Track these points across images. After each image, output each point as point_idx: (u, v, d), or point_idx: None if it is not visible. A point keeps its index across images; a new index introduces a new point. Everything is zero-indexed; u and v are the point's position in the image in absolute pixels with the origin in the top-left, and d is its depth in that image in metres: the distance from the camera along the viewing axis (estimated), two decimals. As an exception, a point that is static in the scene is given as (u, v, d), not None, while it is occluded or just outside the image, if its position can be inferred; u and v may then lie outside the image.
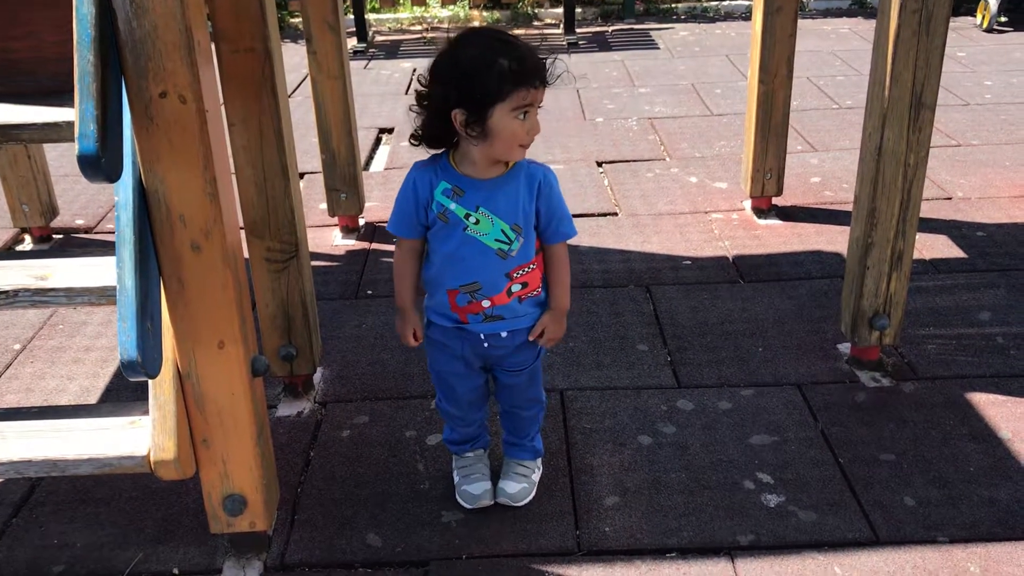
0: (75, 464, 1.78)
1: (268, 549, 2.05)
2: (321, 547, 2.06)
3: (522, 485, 2.14)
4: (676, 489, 2.19)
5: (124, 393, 2.63)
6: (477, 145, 1.82)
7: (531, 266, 1.94)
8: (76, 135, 1.44)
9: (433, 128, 1.86)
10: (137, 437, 1.82)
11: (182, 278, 1.69)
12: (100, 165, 1.45)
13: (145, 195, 1.63)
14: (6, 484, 2.28)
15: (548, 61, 1.81)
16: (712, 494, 2.17)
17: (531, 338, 1.99)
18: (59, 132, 1.82)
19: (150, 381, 1.79)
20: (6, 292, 1.78)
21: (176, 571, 2.02)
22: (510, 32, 1.89)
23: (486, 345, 1.99)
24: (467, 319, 1.96)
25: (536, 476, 2.19)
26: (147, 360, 1.57)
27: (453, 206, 1.87)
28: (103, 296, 1.78)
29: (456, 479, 2.18)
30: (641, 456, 2.31)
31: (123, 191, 1.61)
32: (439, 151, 1.91)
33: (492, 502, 2.13)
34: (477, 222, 1.87)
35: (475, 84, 1.74)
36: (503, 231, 1.87)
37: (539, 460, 2.22)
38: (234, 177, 2.10)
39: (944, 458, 2.27)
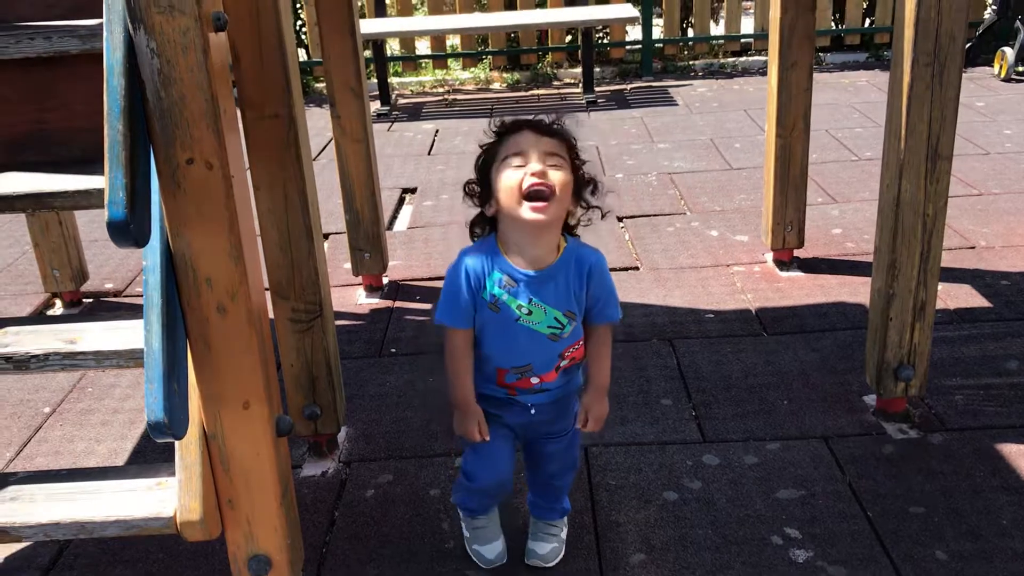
0: (103, 526, 1.80)
1: (293, 610, 2.04)
2: (346, 608, 2.05)
3: (552, 545, 2.12)
4: (703, 545, 2.17)
5: (151, 454, 2.65)
6: (499, 219, 1.84)
7: (580, 342, 1.94)
8: (106, 202, 1.48)
9: (475, 221, 1.93)
10: (164, 498, 1.83)
11: (208, 340, 1.72)
12: (128, 231, 1.49)
13: (172, 259, 1.67)
14: (34, 548, 2.30)
15: (548, 117, 1.83)
16: (740, 550, 2.15)
17: (578, 425, 1.95)
18: (90, 199, 1.87)
19: (176, 442, 1.81)
20: (37, 356, 1.81)
21: (202, 634, 2.01)
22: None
23: (532, 412, 1.96)
24: (515, 392, 1.95)
25: (564, 534, 2.17)
26: (174, 421, 1.59)
27: (506, 297, 1.84)
28: (131, 359, 1.81)
29: (466, 534, 2.16)
30: (667, 512, 2.29)
31: (151, 255, 1.65)
32: (486, 237, 1.92)
33: (504, 561, 2.11)
34: (530, 312, 1.84)
35: (480, 158, 1.85)
36: (556, 318, 1.86)
37: (566, 518, 2.20)
38: (259, 239, 2.14)
39: (976, 511, 2.23)
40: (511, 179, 1.76)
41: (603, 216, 1.93)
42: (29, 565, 2.24)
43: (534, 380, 1.92)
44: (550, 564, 2.10)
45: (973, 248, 3.74)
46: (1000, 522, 2.19)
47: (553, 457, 2.05)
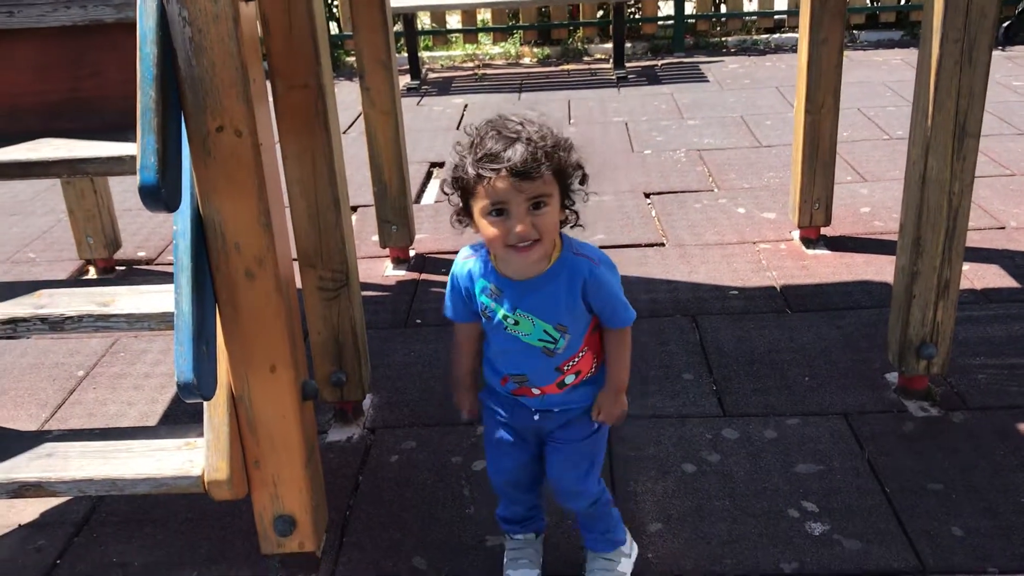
0: (133, 483, 1.86)
1: (317, 570, 2.10)
2: (368, 569, 2.10)
3: (614, 573, 1.99)
4: (720, 517, 2.20)
5: (181, 418, 2.71)
6: None
7: (581, 353, 1.79)
8: (138, 167, 1.52)
9: (459, 213, 1.74)
10: (192, 458, 1.89)
11: (236, 304, 1.77)
12: (160, 195, 1.53)
13: (202, 224, 1.71)
14: (68, 504, 2.37)
15: (542, 149, 1.58)
16: (756, 522, 2.17)
17: (593, 417, 1.84)
18: (123, 165, 1.91)
19: (205, 404, 1.86)
20: (72, 317, 1.87)
21: (228, 590, 2.07)
22: (518, 120, 1.64)
23: (536, 418, 1.85)
24: (519, 396, 1.86)
25: (625, 565, 2.02)
26: (202, 382, 1.64)
27: (493, 305, 1.76)
28: (162, 322, 1.86)
29: (505, 560, 2.04)
30: (685, 484, 2.32)
31: (181, 220, 1.70)
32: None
33: None
34: (517, 323, 1.74)
35: (456, 178, 1.66)
36: (546, 331, 1.74)
37: (623, 547, 2.03)
38: (288, 209, 2.18)
39: (995, 488, 2.24)
40: (494, 230, 1.61)
41: (586, 199, 1.73)
42: (63, 520, 2.31)
43: (534, 391, 1.82)
44: None
45: (1003, 228, 3.70)
46: (1019, 500, 2.19)
47: (558, 465, 1.88)
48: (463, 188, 1.66)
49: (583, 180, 1.72)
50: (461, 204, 1.69)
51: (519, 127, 1.62)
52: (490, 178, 1.57)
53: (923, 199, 2.35)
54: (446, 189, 1.72)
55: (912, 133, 2.40)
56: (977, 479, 2.27)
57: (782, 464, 2.37)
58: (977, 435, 2.44)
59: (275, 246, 1.76)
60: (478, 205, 1.63)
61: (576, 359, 1.79)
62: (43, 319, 1.87)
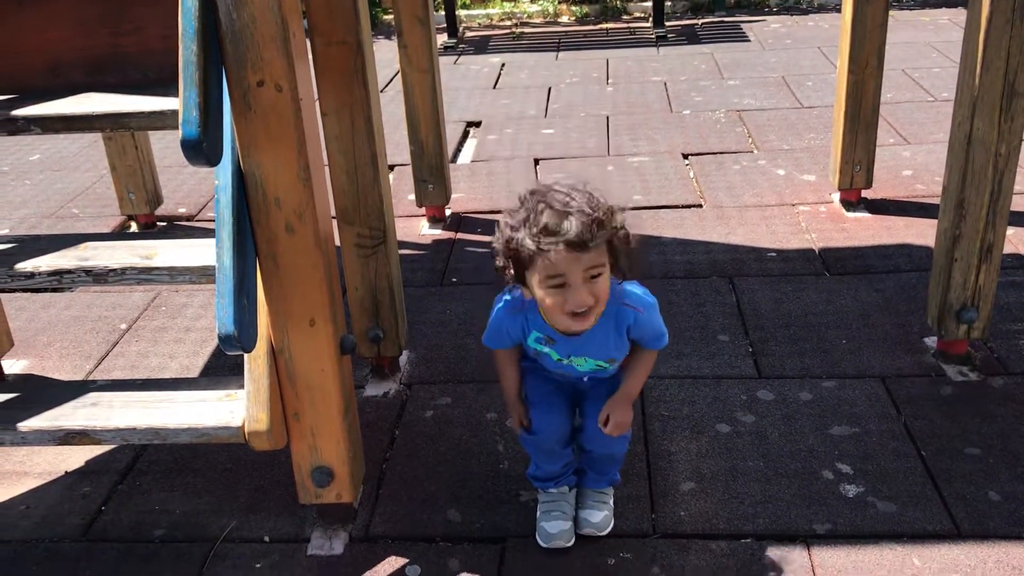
0: (175, 433, 1.90)
1: (354, 521, 2.14)
2: (404, 521, 2.14)
3: (604, 513, 2.07)
4: (753, 477, 2.20)
5: (221, 372, 2.76)
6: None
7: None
8: (180, 121, 1.54)
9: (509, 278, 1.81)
10: (233, 409, 1.92)
11: (276, 258, 1.79)
12: (202, 149, 1.55)
13: (243, 179, 1.73)
14: (112, 453, 2.43)
15: (596, 221, 1.65)
16: (790, 483, 2.17)
17: (599, 424, 1.94)
18: (164, 120, 1.93)
19: (245, 356, 1.89)
20: (115, 270, 1.90)
21: (267, 539, 2.12)
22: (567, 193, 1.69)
23: (586, 379, 2.00)
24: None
25: (612, 502, 2.12)
26: (243, 334, 1.66)
27: (546, 350, 1.91)
28: (203, 275, 1.89)
29: (538, 513, 2.08)
30: (719, 444, 2.32)
31: (223, 175, 1.71)
32: (523, 296, 1.85)
33: (570, 543, 2.03)
34: (571, 360, 1.92)
35: (508, 244, 1.72)
36: (598, 364, 1.92)
37: (616, 483, 2.15)
38: (327, 166, 2.19)
39: (1033, 454, 2.22)
40: (552, 299, 1.71)
41: (630, 248, 1.78)
42: (107, 469, 2.37)
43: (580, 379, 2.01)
44: (603, 533, 2.04)
45: (1050, 193, 3.63)
46: (1057, 466, 2.18)
47: (599, 400, 1.97)
48: (517, 259, 1.73)
49: (627, 241, 1.77)
50: (513, 272, 1.76)
51: (568, 199, 1.68)
52: (548, 251, 1.65)
53: (968, 160, 2.31)
54: (498, 261, 1.78)
55: (958, 93, 2.35)
56: (1015, 444, 2.25)
57: (817, 426, 2.36)
58: (1017, 400, 2.41)
59: (314, 201, 1.77)
60: (535, 276, 1.71)
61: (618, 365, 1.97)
62: (87, 271, 1.90)
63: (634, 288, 1.90)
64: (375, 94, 2.35)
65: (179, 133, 1.54)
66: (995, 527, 2.01)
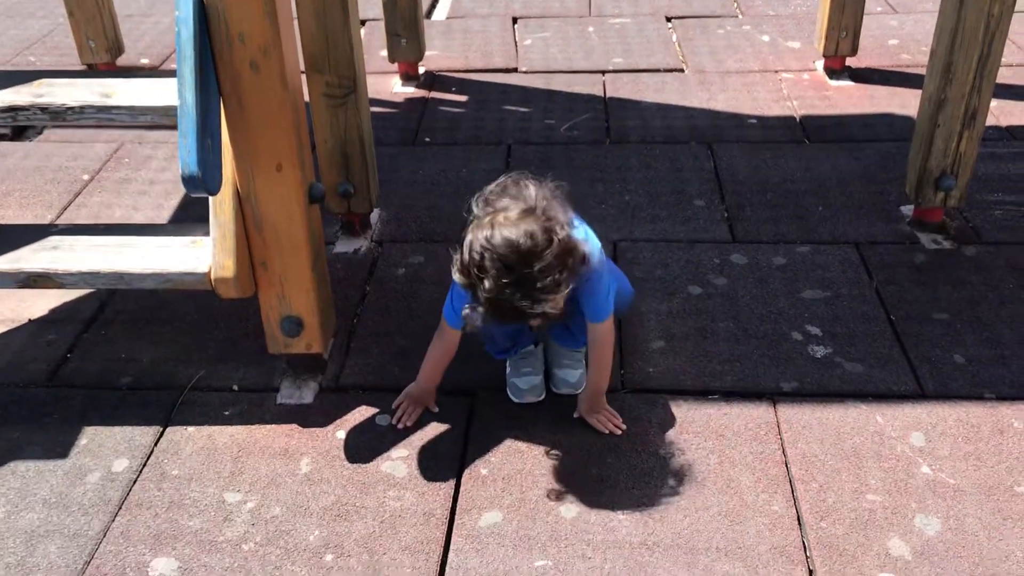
0: (140, 278, 1.86)
1: (324, 372, 2.13)
2: (374, 373, 2.13)
3: (580, 371, 2.06)
4: (722, 337, 2.21)
5: (187, 224, 2.69)
6: None
7: None
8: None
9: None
10: (199, 255, 1.88)
11: (241, 97, 1.71)
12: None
13: (205, 12, 1.63)
14: (76, 302, 2.39)
15: (549, 293, 1.63)
16: (758, 343, 2.19)
17: (577, 414, 1.99)
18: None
19: (211, 203, 1.84)
20: (73, 108, 1.82)
21: (236, 388, 2.11)
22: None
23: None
24: None
25: (584, 358, 2.08)
26: (207, 175, 1.60)
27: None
28: (165, 115, 1.81)
29: (508, 370, 2.09)
30: (690, 305, 2.32)
31: (183, 5, 1.61)
32: None
33: (541, 397, 2.04)
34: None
35: (468, 281, 1.69)
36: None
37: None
38: (295, 7, 2.09)
39: (1000, 320, 2.24)
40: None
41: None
42: (72, 318, 2.34)
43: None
44: (579, 391, 2.04)
45: (1035, 66, 3.57)
46: (1022, 331, 2.19)
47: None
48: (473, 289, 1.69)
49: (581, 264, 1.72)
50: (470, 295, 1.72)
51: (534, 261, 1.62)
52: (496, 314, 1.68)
53: (959, 20, 2.24)
54: (456, 277, 1.72)
55: (955, -51, 2.26)
56: (983, 311, 2.27)
57: (789, 289, 2.37)
58: (988, 268, 2.42)
59: (280, 39, 1.68)
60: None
61: None
62: (43, 108, 1.82)
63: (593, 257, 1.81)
64: (346, -68, 2.23)
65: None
66: (957, 388, 2.04)
